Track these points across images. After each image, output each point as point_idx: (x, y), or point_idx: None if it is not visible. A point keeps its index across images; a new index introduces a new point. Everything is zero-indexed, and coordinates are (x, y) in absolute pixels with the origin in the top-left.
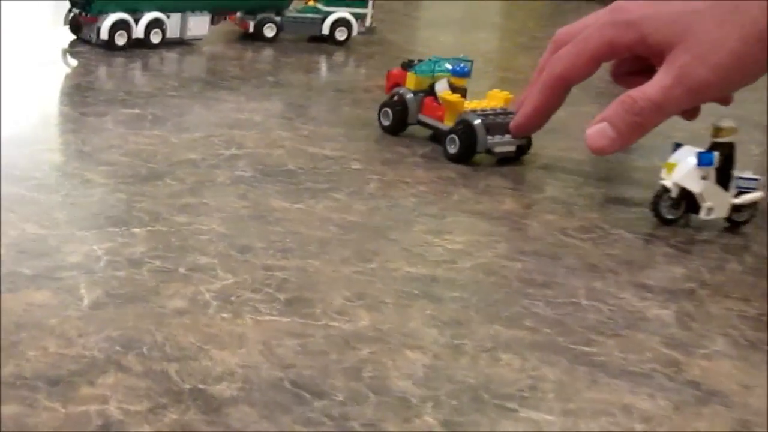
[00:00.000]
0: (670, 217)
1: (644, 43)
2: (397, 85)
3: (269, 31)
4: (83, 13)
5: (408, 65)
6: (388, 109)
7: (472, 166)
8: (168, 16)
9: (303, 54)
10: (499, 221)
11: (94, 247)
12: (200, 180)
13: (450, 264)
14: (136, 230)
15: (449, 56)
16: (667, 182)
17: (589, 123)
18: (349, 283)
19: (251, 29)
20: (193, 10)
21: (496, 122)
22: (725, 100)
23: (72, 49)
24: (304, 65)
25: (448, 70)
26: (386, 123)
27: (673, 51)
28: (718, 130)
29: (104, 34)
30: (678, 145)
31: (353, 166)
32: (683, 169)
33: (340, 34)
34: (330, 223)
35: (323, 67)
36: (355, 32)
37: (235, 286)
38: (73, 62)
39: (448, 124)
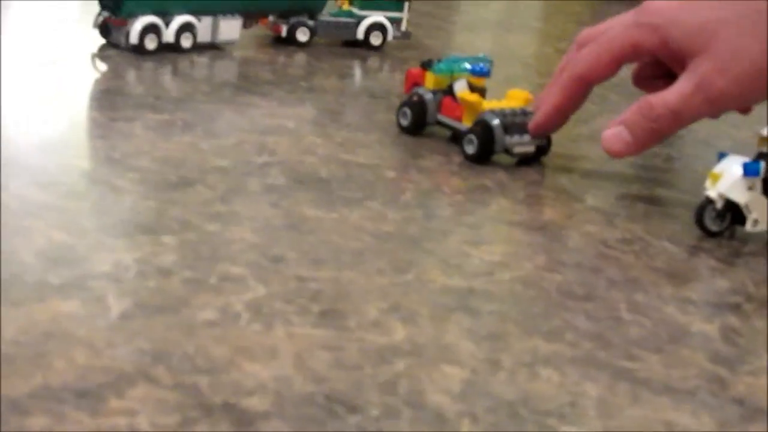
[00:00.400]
0: (714, 228)
1: (667, 48)
2: (417, 84)
3: (302, 35)
4: (112, 16)
5: (427, 64)
6: (407, 109)
7: (510, 175)
8: (199, 20)
9: (337, 59)
10: (538, 232)
11: (123, 255)
12: (231, 188)
13: (487, 276)
14: (166, 239)
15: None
16: (712, 193)
17: (608, 123)
18: (384, 295)
19: (284, 33)
20: (224, 13)
21: (514, 122)
22: (745, 110)
23: (101, 53)
24: (338, 70)
25: (467, 70)
26: (405, 123)
27: (695, 59)
28: (764, 140)
29: (134, 38)
30: (723, 155)
31: (388, 175)
32: (728, 180)
33: (375, 39)
34: (364, 232)
35: (357, 72)
36: (390, 37)
37: (267, 297)
38: (102, 66)
39: (466, 124)
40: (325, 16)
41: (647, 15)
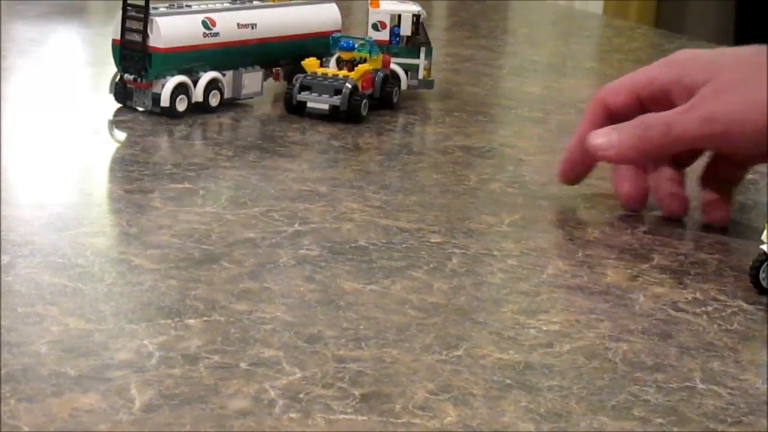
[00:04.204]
0: None
1: (681, 84)
2: None
3: None
4: (138, 79)
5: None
6: None
7: (567, 234)
8: (223, 75)
9: (371, 113)
10: (601, 297)
11: (145, 342)
12: (261, 262)
13: (546, 348)
14: (191, 321)
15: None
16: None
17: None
18: (433, 374)
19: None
20: (245, 66)
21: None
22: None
23: (115, 119)
24: (374, 126)
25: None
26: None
27: (700, 88)
28: None
29: (165, 101)
30: None
31: (432, 240)
32: None
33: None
34: (408, 305)
35: (395, 127)
36: (404, 86)
37: (303, 382)
38: (117, 133)
39: None
40: None
41: (672, 56)
